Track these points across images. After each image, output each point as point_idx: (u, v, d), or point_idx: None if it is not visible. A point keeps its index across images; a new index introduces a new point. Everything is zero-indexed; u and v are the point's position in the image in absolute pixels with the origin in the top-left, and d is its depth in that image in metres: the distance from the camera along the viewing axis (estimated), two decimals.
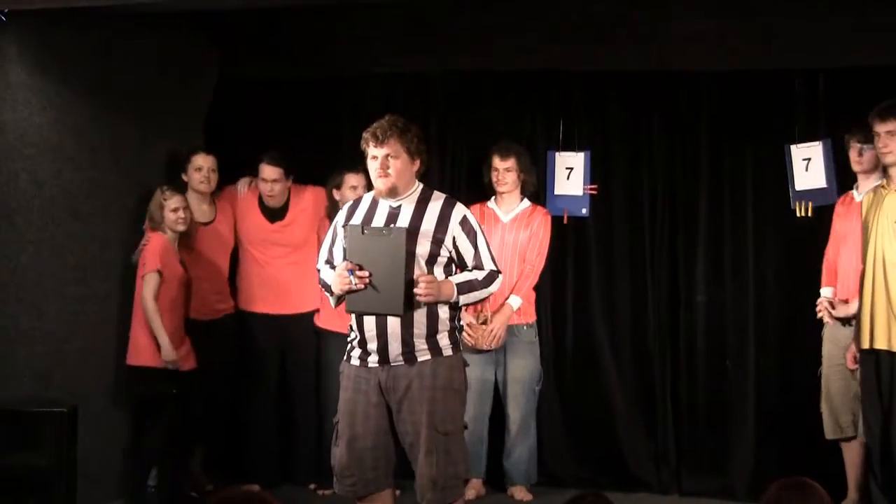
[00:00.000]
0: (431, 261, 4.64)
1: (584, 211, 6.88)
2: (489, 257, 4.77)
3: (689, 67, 6.77)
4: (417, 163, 4.75)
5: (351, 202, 4.94)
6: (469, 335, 6.45)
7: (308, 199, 6.78)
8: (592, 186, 6.87)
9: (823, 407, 6.10)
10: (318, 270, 4.92)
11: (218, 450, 6.87)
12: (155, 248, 6.19)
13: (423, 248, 4.61)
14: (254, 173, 6.80)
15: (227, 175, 6.77)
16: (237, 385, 6.79)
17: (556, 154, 6.91)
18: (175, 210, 6.28)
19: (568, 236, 6.95)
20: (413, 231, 4.62)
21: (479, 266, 4.73)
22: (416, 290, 4.56)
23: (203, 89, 7.25)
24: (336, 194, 6.55)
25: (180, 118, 7.02)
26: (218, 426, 6.77)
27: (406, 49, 7.05)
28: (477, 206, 6.71)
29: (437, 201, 4.74)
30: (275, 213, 6.72)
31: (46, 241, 5.94)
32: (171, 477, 6.40)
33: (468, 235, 4.71)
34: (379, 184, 4.70)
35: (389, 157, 4.66)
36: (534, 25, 6.81)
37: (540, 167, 6.93)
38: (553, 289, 6.96)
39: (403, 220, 4.66)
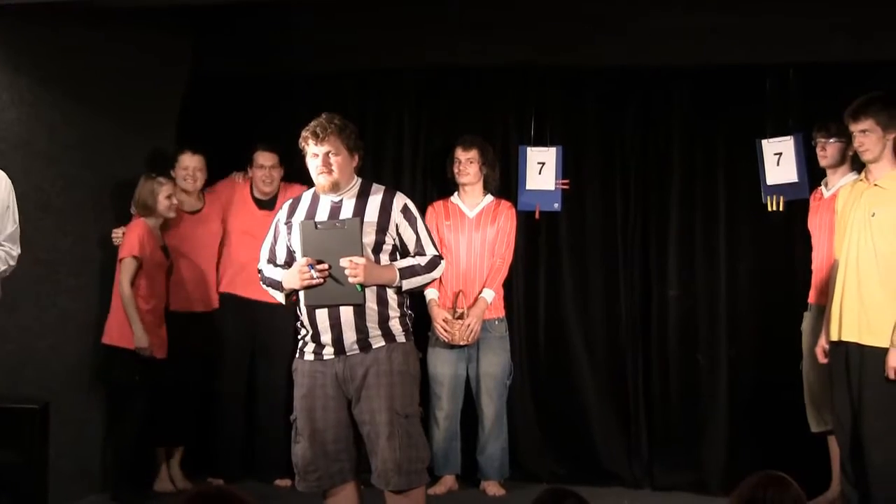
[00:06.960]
0: (377, 249, 4.71)
1: (556, 206, 6.90)
2: (430, 243, 4.85)
3: (661, 63, 6.79)
4: (356, 158, 4.85)
5: (291, 200, 4.97)
6: (445, 330, 6.46)
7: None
8: (564, 181, 6.88)
9: (806, 400, 6.10)
10: (260, 271, 4.93)
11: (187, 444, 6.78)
12: (134, 234, 6.21)
13: (368, 237, 4.68)
14: (228, 168, 6.84)
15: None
16: (208, 376, 6.75)
17: (528, 149, 6.92)
18: (169, 197, 6.34)
19: (540, 231, 6.96)
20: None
21: (420, 252, 4.81)
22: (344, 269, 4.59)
23: (177, 85, 7.22)
24: None
25: (154, 114, 7.00)
26: (191, 423, 6.70)
27: (380, 45, 7.04)
28: (440, 203, 6.73)
29: (377, 193, 4.82)
30: (264, 204, 6.73)
31: None
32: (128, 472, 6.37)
33: (410, 223, 4.79)
34: (321, 180, 4.75)
35: (330, 155, 4.73)
36: (505, 20, 6.83)
37: (512, 162, 6.96)
38: (525, 284, 6.97)
39: (346, 214, 4.74)
